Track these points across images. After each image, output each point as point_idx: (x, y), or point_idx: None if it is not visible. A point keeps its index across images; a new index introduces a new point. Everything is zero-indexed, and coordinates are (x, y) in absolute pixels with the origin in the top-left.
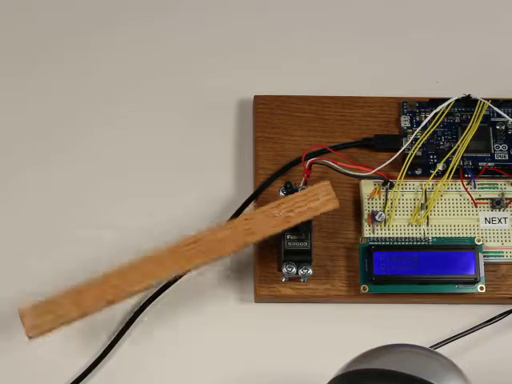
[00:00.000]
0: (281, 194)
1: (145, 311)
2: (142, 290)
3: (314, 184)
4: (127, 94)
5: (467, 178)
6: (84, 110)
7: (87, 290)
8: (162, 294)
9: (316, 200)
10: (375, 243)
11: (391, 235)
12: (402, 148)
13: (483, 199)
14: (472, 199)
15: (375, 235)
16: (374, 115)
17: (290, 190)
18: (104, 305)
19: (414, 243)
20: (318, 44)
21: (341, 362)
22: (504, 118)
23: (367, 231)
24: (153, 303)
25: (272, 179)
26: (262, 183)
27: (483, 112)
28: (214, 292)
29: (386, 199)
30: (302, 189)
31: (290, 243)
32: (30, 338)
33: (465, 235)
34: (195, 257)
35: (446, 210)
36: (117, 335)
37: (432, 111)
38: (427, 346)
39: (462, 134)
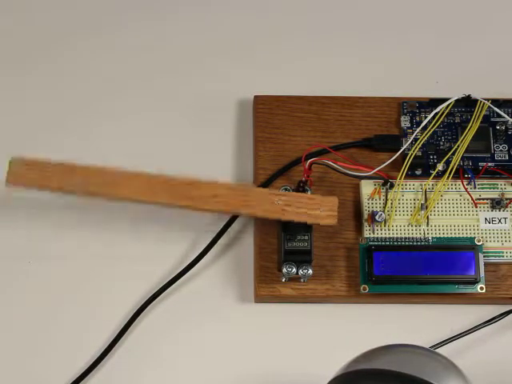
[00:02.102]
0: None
1: (145, 311)
2: (124, 199)
3: (319, 188)
4: (127, 95)
5: (467, 178)
6: (84, 110)
7: (79, 172)
8: (162, 294)
9: (317, 210)
10: (375, 243)
11: (391, 235)
12: (402, 148)
13: (483, 199)
14: (472, 199)
15: (375, 235)
16: (374, 115)
17: (302, 189)
18: (85, 193)
19: (414, 243)
20: (318, 44)
21: (341, 362)
22: (504, 118)
23: (367, 231)
24: (153, 303)
25: (272, 179)
26: (262, 183)
27: (483, 112)
28: (214, 292)
29: (386, 199)
30: (306, 190)
31: (289, 243)
32: (7, 184)
33: (465, 235)
34: (185, 198)
35: (446, 210)
36: (117, 335)
37: (432, 111)
38: (427, 346)
39: (461, 134)
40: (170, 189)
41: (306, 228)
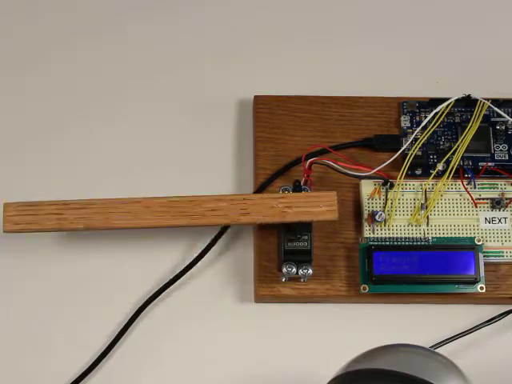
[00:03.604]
0: (281, 193)
1: (145, 311)
2: (122, 226)
3: (319, 188)
4: (127, 94)
5: (467, 178)
6: (83, 110)
7: (72, 208)
8: (162, 294)
9: (317, 207)
10: (375, 243)
11: (391, 235)
12: (402, 148)
13: (483, 199)
14: (472, 199)
15: (375, 235)
16: (374, 115)
17: (299, 188)
18: (82, 227)
19: (414, 243)
20: (318, 44)
21: (341, 361)
22: (504, 117)
23: (367, 231)
24: (153, 303)
25: (272, 179)
26: (261, 183)
27: (483, 112)
28: (214, 292)
29: (386, 199)
30: (304, 189)
31: (289, 243)
32: (4, 231)
33: (465, 235)
34: (185, 216)
35: (446, 210)
36: (117, 335)
37: (432, 111)
38: (427, 346)
39: (461, 134)
40: (170, 210)
41: (306, 228)
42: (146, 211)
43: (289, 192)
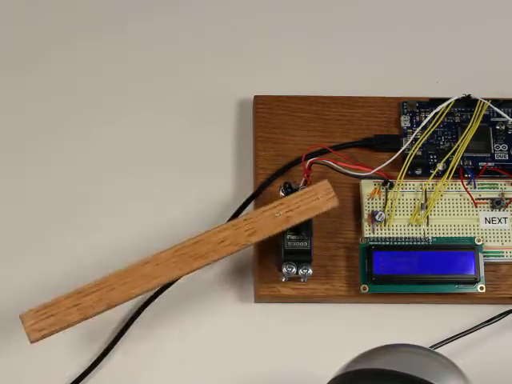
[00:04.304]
0: (281, 193)
1: (145, 311)
2: (142, 292)
3: (313, 184)
4: (127, 94)
5: (467, 178)
6: (83, 110)
7: (87, 293)
8: (162, 294)
9: (316, 199)
10: (375, 243)
11: (391, 235)
12: (402, 148)
13: (483, 199)
14: (472, 199)
15: (375, 235)
16: (374, 115)
17: (290, 190)
18: (104, 308)
19: (414, 243)
20: (318, 44)
21: (341, 361)
22: (504, 117)
23: (367, 231)
24: (153, 303)
25: (272, 179)
26: (261, 183)
27: (483, 112)
28: (214, 292)
29: (386, 199)
30: (302, 189)
31: (289, 243)
32: (32, 341)
33: (465, 235)
34: (196, 258)
35: (446, 209)
36: (116, 335)
37: (432, 111)
38: (427, 346)
39: (461, 134)
40: (180, 259)
41: (305, 227)
42: (159, 268)
43: (289, 187)
